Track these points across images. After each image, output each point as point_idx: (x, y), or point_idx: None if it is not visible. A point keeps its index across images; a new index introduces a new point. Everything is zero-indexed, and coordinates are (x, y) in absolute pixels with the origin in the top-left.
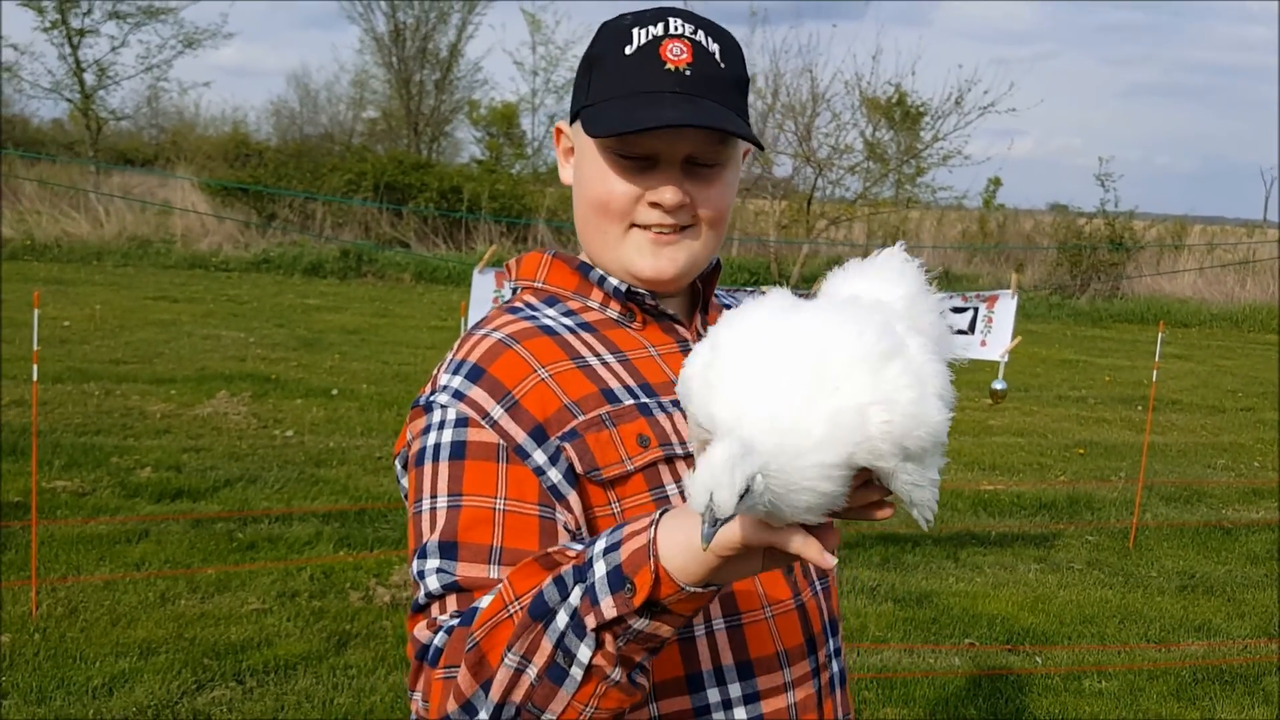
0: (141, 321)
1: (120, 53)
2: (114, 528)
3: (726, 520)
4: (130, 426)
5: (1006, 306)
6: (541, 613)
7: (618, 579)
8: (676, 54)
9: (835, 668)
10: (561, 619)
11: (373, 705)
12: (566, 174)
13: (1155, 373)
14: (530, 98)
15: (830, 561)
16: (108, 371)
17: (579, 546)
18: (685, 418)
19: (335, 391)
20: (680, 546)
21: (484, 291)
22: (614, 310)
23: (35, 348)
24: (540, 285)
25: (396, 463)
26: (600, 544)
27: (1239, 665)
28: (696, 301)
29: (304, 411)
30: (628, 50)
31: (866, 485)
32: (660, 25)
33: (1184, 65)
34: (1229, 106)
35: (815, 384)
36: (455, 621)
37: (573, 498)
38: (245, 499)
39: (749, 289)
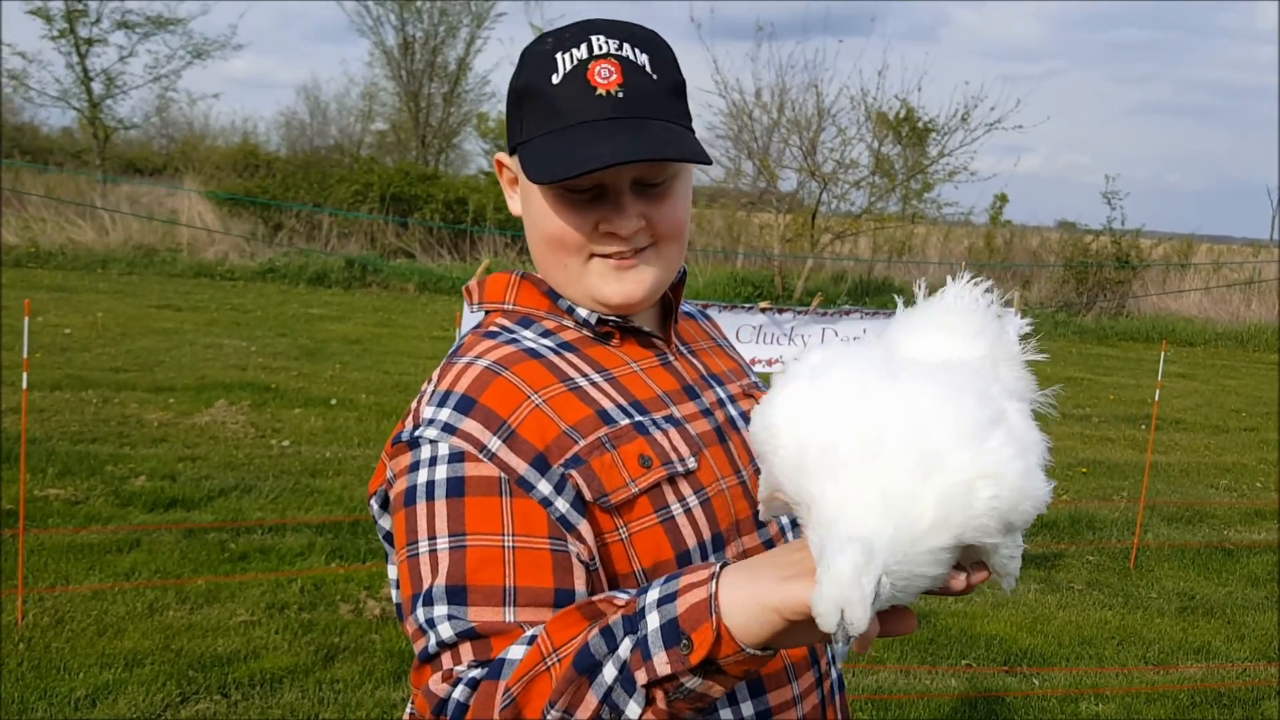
0: (143, 330)
1: (129, 62)
2: (105, 537)
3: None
4: (127, 435)
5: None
6: (587, 666)
7: (673, 633)
8: (605, 76)
9: (834, 674)
10: (609, 673)
11: None
12: (515, 205)
13: (1158, 392)
14: None
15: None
16: (107, 379)
17: (625, 595)
18: (758, 472)
19: (334, 401)
20: (742, 605)
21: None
22: (590, 329)
23: (25, 355)
24: (511, 307)
25: (373, 502)
26: (653, 594)
27: (1238, 689)
28: (668, 313)
29: (302, 421)
30: (555, 79)
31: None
32: (583, 46)
33: (1194, 84)
34: (1239, 126)
35: (920, 460)
36: (476, 672)
37: (584, 527)
38: (239, 509)
39: (748, 304)
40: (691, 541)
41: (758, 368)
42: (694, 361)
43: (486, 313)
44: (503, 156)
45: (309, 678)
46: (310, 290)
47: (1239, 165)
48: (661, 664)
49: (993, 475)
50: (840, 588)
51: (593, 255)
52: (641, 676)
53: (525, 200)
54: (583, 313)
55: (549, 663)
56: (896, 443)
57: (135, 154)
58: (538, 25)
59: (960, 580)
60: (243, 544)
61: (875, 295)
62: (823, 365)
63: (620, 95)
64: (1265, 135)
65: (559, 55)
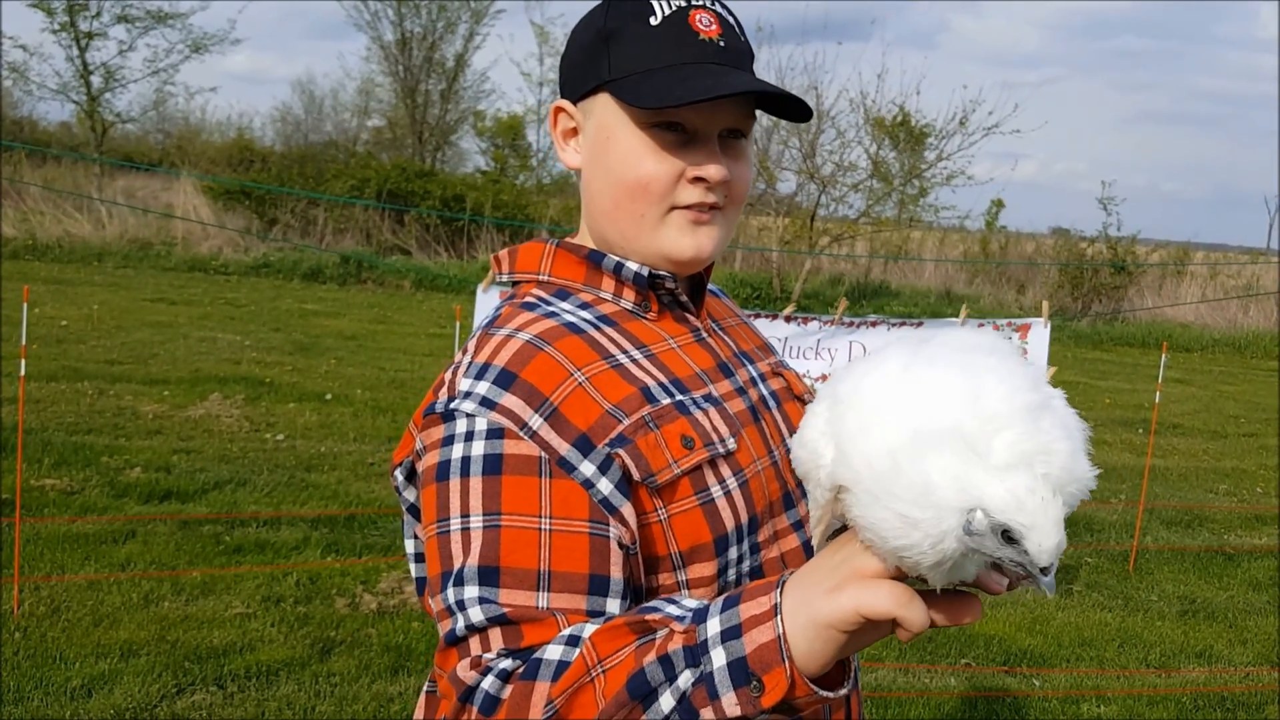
0: (138, 323)
1: (128, 56)
2: (101, 527)
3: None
4: (122, 426)
5: (1040, 336)
6: (643, 693)
7: (742, 674)
8: (706, 24)
9: (855, 661)
10: (666, 702)
11: (355, 714)
12: (569, 156)
13: (1159, 394)
14: (536, 109)
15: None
16: (102, 371)
17: (675, 610)
18: (805, 490)
19: (329, 396)
20: (800, 630)
21: (488, 310)
22: (628, 301)
23: (23, 343)
24: (547, 278)
25: (398, 473)
26: (714, 625)
27: (1241, 693)
28: (698, 288)
29: (297, 416)
30: (653, 21)
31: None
32: None
33: (1193, 93)
34: (1237, 135)
35: (986, 427)
36: (507, 663)
37: (626, 509)
38: (234, 502)
39: (772, 313)
40: (730, 525)
41: None
42: (725, 338)
43: (515, 283)
44: (565, 104)
45: (305, 670)
46: (305, 286)
47: (1236, 174)
48: (730, 705)
49: (1044, 453)
50: (1053, 520)
51: (672, 208)
52: (709, 715)
53: (599, 148)
54: (634, 266)
55: (593, 674)
56: (957, 412)
57: (132, 148)
58: (538, 23)
59: (1000, 582)
60: (238, 537)
61: (873, 298)
62: (862, 367)
63: (722, 44)
64: (1263, 144)
65: (655, 1)
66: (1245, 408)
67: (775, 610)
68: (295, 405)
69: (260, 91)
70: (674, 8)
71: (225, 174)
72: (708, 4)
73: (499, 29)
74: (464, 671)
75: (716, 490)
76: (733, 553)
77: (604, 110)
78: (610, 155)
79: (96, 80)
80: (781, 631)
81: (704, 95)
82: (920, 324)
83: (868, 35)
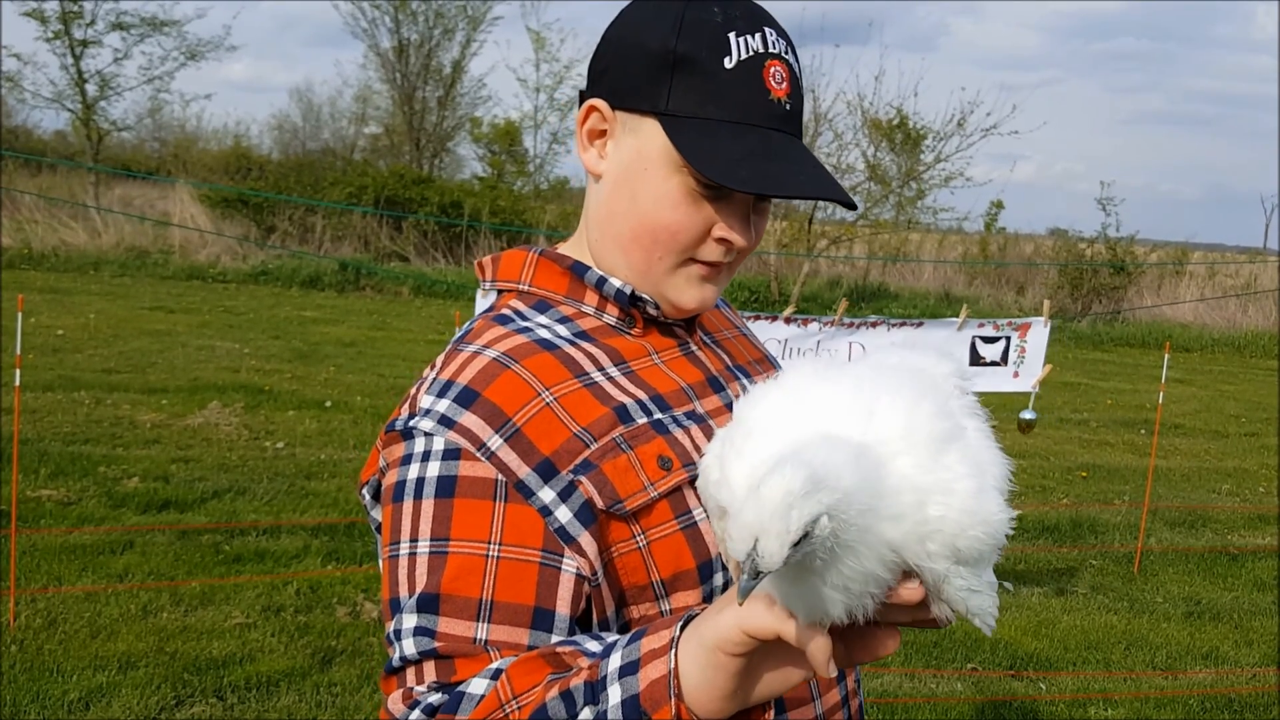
0: (136, 331)
1: (123, 64)
2: (98, 538)
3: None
4: (119, 436)
5: (1039, 335)
6: None
7: (634, 711)
8: (778, 81)
9: (861, 694)
10: None
11: None
12: (592, 160)
13: (1161, 394)
14: (533, 115)
15: (832, 671)
16: (99, 380)
17: (592, 645)
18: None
19: (329, 404)
20: (691, 658)
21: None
22: (611, 315)
23: (18, 353)
24: (527, 289)
25: (365, 491)
26: (615, 660)
27: (1247, 694)
28: None
29: (296, 423)
30: (727, 63)
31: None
32: (758, 37)
33: (1190, 94)
34: (1234, 135)
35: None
36: (435, 699)
37: (585, 539)
38: (233, 511)
39: (772, 315)
40: (715, 550)
41: None
42: (718, 351)
43: (499, 292)
44: (602, 106)
45: (306, 681)
46: (303, 293)
47: (1232, 174)
48: None
49: (941, 492)
50: (760, 512)
51: (690, 260)
52: None
53: (632, 173)
54: (616, 284)
55: (507, 710)
56: (845, 434)
57: (128, 157)
58: (534, 29)
59: (912, 589)
60: (237, 546)
61: (872, 300)
62: (763, 388)
63: (788, 107)
64: (1258, 144)
65: (733, 37)
66: (1246, 407)
67: (672, 644)
68: (295, 413)
69: (258, 100)
70: (751, 52)
71: (223, 182)
72: (783, 53)
73: (495, 35)
74: (394, 704)
75: (699, 513)
76: (718, 579)
77: (649, 138)
78: (642, 186)
79: (91, 88)
80: (673, 667)
81: (768, 191)
82: (920, 324)
83: (865, 38)
